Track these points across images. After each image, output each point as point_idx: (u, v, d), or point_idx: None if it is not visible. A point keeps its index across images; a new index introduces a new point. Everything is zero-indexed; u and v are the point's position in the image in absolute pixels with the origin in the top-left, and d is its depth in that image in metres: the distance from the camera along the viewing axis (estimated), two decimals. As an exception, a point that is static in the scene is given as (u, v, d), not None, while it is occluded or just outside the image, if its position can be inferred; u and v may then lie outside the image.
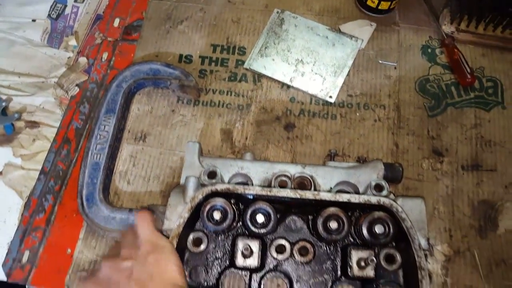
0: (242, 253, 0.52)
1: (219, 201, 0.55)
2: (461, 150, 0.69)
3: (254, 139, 0.71)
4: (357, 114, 0.72)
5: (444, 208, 0.65)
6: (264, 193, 0.55)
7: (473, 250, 0.61)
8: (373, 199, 0.53)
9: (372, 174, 0.61)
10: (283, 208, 0.58)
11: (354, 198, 0.54)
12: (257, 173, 0.62)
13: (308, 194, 0.55)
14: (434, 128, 0.71)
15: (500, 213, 0.64)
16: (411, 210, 0.55)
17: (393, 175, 0.62)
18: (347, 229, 0.53)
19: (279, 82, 0.76)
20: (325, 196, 0.54)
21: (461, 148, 0.69)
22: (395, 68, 0.76)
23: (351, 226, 0.55)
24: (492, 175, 0.67)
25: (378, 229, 0.52)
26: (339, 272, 0.55)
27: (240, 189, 0.56)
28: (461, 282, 0.59)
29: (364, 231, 0.53)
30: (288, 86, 0.76)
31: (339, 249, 0.56)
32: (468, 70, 0.72)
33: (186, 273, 0.54)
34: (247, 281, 0.54)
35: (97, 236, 0.64)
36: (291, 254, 0.55)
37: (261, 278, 0.55)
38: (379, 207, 0.54)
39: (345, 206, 0.55)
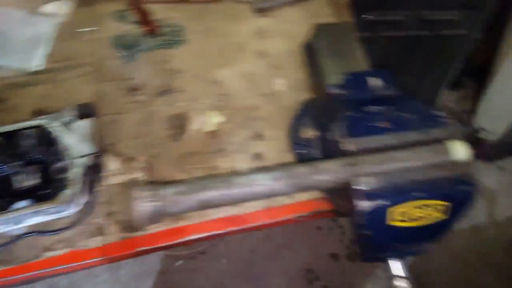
0: None
1: None
2: (154, 82, 0.86)
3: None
4: (64, 75, 0.84)
5: (142, 128, 0.80)
6: None
7: (168, 151, 0.78)
8: (34, 123, 0.65)
9: (66, 115, 0.73)
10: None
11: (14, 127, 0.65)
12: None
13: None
14: (130, 71, 0.87)
15: (188, 119, 0.83)
16: (82, 127, 0.69)
17: (87, 111, 0.75)
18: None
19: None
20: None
21: (154, 81, 0.86)
22: (94, 32, 0.90)
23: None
24: (182, 94, 0.85)
25: (26, 142, 0.64)
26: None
27: None
28: (160, 174, 0.76)
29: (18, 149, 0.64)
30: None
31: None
32: (152, 22, 0.91)
33: None
34: None
35: None
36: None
37: None
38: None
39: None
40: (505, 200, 1.74)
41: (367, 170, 0.62)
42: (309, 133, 0.83)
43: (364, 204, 0.60)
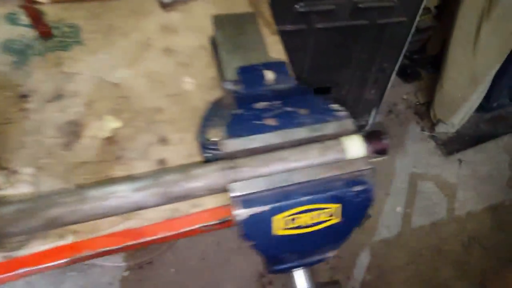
0: None
1: None
2: (46, 88, 0.79)
3: None
4: None
5: (30, 137, 0.73)
6: None
7: (58, 161, 0.71)
8: None
9: None
10: None
11: None
12: None
13: None
14: (22, 77, 0.79)
15: (82, 126, 0.76)
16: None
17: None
18: None
19: None
20: None
21: (46, 86, 0.79)
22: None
23: None
24: (76, 99, 0.79)
25: None
26: None
27: None
28: (49, 187, 0.69)
29: None
30: None
31: None
32: (45, 24, 0.84)
33: None
34: None
35: None
36: None
37: None
38: None
39: None
40: (464, 193, 1.69)
41: (247, 174, 0.56)
42: (218, 134, 0.77)
43: (241, 212, 0.54)
